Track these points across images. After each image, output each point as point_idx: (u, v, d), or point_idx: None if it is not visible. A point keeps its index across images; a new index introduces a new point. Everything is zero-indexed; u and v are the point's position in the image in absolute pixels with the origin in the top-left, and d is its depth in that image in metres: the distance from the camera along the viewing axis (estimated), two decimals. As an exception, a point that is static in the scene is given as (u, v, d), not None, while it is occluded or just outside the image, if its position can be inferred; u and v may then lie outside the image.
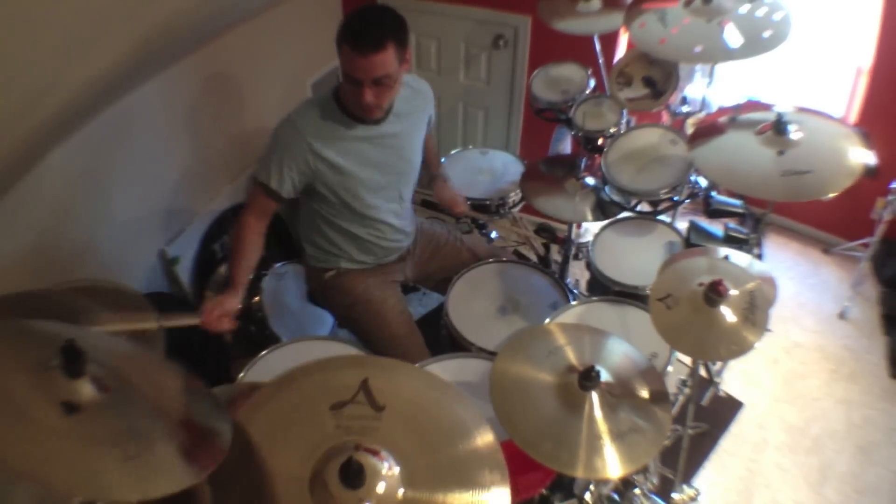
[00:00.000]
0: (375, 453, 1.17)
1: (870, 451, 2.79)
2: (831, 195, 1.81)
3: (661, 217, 2.56)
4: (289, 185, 2.11)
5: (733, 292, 1.67)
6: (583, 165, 2.62)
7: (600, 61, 2.86)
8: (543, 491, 1.94)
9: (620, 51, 3.33)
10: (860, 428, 2.89)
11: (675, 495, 2.25)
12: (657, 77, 2.42)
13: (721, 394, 2.97)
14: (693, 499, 2.26)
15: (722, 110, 2.22)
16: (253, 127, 3.34)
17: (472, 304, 2.34)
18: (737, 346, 1.63)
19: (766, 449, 2.83)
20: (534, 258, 3.11)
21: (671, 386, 2.44)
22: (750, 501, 2.64)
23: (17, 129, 1.88)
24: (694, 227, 2.61)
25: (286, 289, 2.88)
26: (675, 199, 2.36)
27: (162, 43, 2.28)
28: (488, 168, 2.97)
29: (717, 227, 2.60)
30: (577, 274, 3.08)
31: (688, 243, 2.50)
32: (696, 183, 2.42)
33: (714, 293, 1.63)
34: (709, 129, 2.09)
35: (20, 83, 1.67)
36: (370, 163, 2.17)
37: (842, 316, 3.41)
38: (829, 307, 3.47)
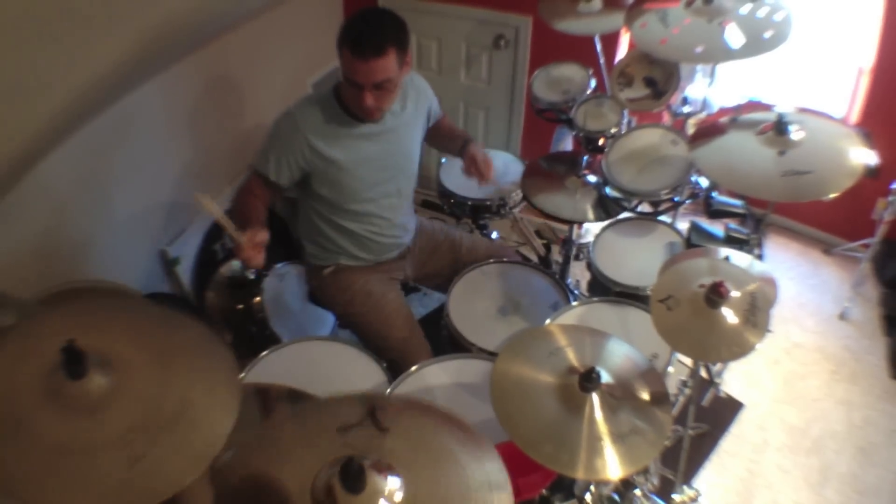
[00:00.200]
0: (382, 469, 1.16)
1: (870, 452, 2.79)
2: (832, 196, 1.81)
3: (662, 217, 2.56)
4: (286, 177, 2.16)
5: (734, 293, 1.66)
6: (584, 163, 2.62)
7: (601, 61, 2.86)
8: (544, 492, 1.94)
9: (621, 51, 3.33)
10: (861, 429, 2.89)
11: (675, 496, 2.25)
12: (658, 77, 2.42)
13: (721, 394, 2.97)
14: (693, 499, 2.26)
15: (723, 111, 2.23)
16: (253, 127, 3.34)
17: (472, 304, 2.34)
18: (738, 348, 1.62)
19: (767, 450, 2.82)
20: (535, 259, 3.11)
21: (672, 387, 2.44)
22: (750, 502, 2.64)
23: (17, 130, 1.88)
24: (695, 227, 2.60)
25: (287, 289, 2.88)
26: (676, 199, 2.36)
27: (162, 43, 2.28)
28: (489, 168, 2.96)
29: (717, 228, 2.60)
30: (578, 274, 3.07)
31: (689, 244, 2.50)
32: (697, 183, 2.42)
33: (715, 294, 1.63)
34: (710, 130, 2.09)
35: (21, 83, 1.67)
36: (368, 159, 2.18)
37: (842, 317, 3.40)
38: (829, 308, 3.46)
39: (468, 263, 2.49)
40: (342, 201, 2.25)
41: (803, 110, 2.03)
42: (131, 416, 1.09)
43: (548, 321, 2.15)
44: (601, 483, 2.05)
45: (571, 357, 1.60)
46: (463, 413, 1.83)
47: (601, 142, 2.64)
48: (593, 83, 2.83)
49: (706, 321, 1.65)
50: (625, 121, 2.66)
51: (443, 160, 3.00)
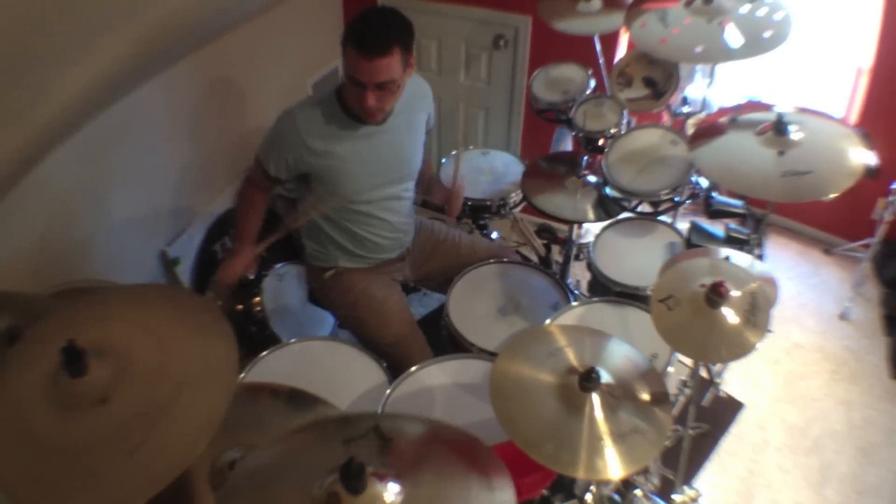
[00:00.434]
0: (382, 477, 1.16)
1: (870, 452, 2.79)
2: (832, 196, 1.81)
3: (662, 218, 2.55)
4: (284, 173, 2.19)
5: (734, 293, 1.66)
6: (584, 163, 2.62)
7: (601, 61, 2.86)
8: (544, 492, 1.94)
9: (621, 51, 3.33)
10: (861, 429, 2.89)
11: (675, 496, 2.25)
12: (658, 77, 2.42)
13: (721, 394, 2.97)
14: (694, 500, 2.26)
15: (722, 111, 2.22)
16: (254, 127, 3.34)
17: (472, 304, 2.34)
18: (738, 348, 1.62)
19: (767, 450, 2.82)
20: (535, 259, 3.11)
21: (672, 387, 2.44)
22: (751, 502, 2.64)
23: (17, 131, 1.88)
24: (695, 227, 2.60)
25: (287, 289, 2.88)
26: (676, 199, 2.36)
27: (163, 44, 2.29)
28: (489, 168, 2.97)
29: (718, 228, 2.60)
30: (578, 274, 3.07)
31: (689, 244, 2.50)
32: (697, 183, 2.42)
33: (716, 294, 1.63)
34: (709, 130, 2.09)
35: (21, 84, 1.67)
36: (368, 161, 2.18)
37: (843, 317, 3.40)
38: (829, 308, 3.46)
39: (468, 264, 2.49)
40: (342, 202, 2.25)
41: (803, 110, 2.02)
42: (131, 403, 1.09)
43: (548, 321, 2.15)
44: (602, 483, 2.05)
45: (571, 357, 1.60)
46: (463, 413, 1.84)
47: (601, 142, 2.64)
48: (593, 83, 2.83)
49: (706, 321, 1.64)
50: (624, 121, 2.66)
51: (443, 160, 3.00)
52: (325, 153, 2.11)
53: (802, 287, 3.59)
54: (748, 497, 2.66)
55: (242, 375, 2.03)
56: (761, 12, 2.10)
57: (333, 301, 2.49)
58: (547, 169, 2.71)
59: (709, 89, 2.50)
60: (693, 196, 2.45)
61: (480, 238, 2.85)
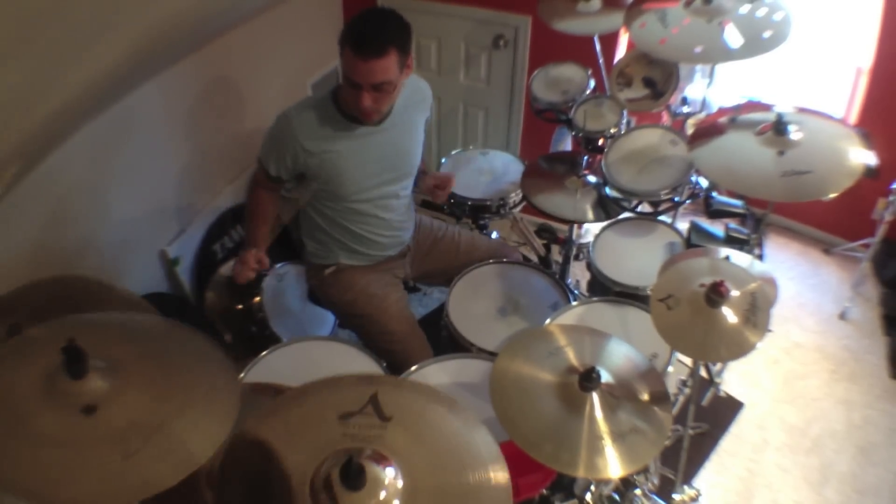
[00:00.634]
0: (381, 460, 1.16)
1: (870, 452, 2.79)
2: (832, 195, 1.81)
3: (662, 217, 2.56)
4: (284, 173, 2.20)
5: (734, 293, 1.67)
6: (584, 163, 2.62)
7: (600, 62, 2.86)
8: (544, 491, 1.94)
9: (620, 51, 3.33)
10: (860, 428, 2.89)
11: (675, 496, 2.25)
12: (657, 77, 2.42)
13: (721, 394, 2.97)
14: (693, 499, 2.26)
15: (722, 111, 2.22)
16: (253, 127, 3.34)
17: (472, 304, 2.34)
18: (738, 347, 1.63)
19: (767, 449, 2.83)
20: (535, 259, 3.12)
21: (671, 386, 2.44)
22: (750, 502, 2.64)
23: (17, 130, 1.88)
24: (695, 227, 2.60)
25: (287, 289, 2.88)
26: (676, 199, 2.36)
27: (162, 44, 2.29)
28: (489, 168, 2.97)
29: (717, 228, 2.60)
30: (578, 274, 3.08)
31: (688, 244, 2.50)
32: (697, 183, 2.42)
33: (716, 294, 1.63)
34: (709, 130, 2.09)
35: (20, 85, 1.67)
36: (365, 161, 2.18)
37: (842, 316, 3.41)
38: (829, 308, 3.46)
39: (467, 261, 2.50)
40: (338, 199, 2.26)
41: (802, 110, 2.03)
42: (127, 417, 1.10)
43: (548, 321, 2.16)
44: (601, 482, 2.06)
45: (571, 357, 1.60)
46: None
47: (601, 142, 2.64)
48: (592, 83, 2.83)
49: (706, 321, 1.65)
50: (624, 121, 2.66)
51: (443, 160, 3.00)
52: (321, 154, 2.11)
53: (802, 287, 3.59)
54: (748, 497, 2.66)
55: (243, 375, 2.03)
56: (761, 12, 2.11)
57: (333, 298, 2.49)
58: (547, 169, 2.71)
59: (708, 89, 2.50)
60: (693, 196, 2.45)
61: (480, 235, 2.85)
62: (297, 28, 3.45)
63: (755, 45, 2.05)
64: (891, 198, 3.16)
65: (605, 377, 1.52)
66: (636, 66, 2.46)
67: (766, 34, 2.05)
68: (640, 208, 2.43)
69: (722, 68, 2.46)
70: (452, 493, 1.19)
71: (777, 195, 1.88)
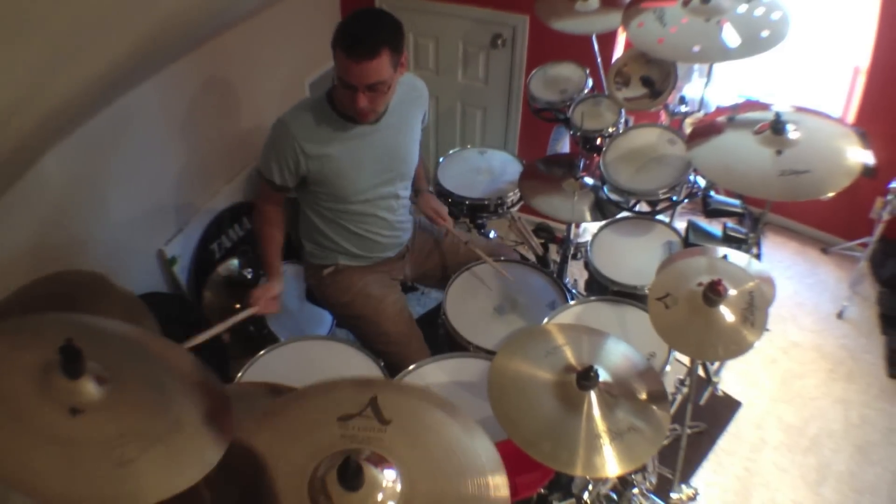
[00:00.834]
0: (379, 462, 1.16)
1: (867, 451, 2.79)
2: (830, 195, 1.81)
3: (660, 217, 2.56)
4: (290, 180, 2.18)
5: (732, 292, 1.67)
6: (581, 165, 2.62)
7: (598, 61, 2.86)
8: (542, 490, 1.95)
9: (618, 50, 3.33)
10: (858, 427, 2.89)
11: (673, 495, 2.26)
12: (655, 77, 2.42)
13: (719, 393, 2.97)
14: (691, 498, 2.27)
15: (720, 110, 2.22)
16: (251, 126, 3.34)
17: (470, 303, 2.34)
18: (735, 346, 1.63)
19: (764, 448, 2.83)
20: (532, 258, 3.11)
21: (669, 385, 2.44)
22: (748, 501, 2.64)
23: (15, 129, 1.88)
24: (692, 226, 2.61)
25: (285, 289, 2.88)
26: (674, 198, 2.36)
27: (159, 43, 2.28)
28: (486, 168, 2.97)
29: (715, 227, 2.61)
30: (576, 273, 3.08)
31: (686, 243, 2.51)
32: (695, 183, 2.42)
33: (713, 293, 1.64)
34: (707, 129, 2.09)
35: (18, 84, 1.67)
36: (364, 161, 2.18)
37: (840, 316, 3.41)
38: (827, 307, 3.47)
39: (465, 261, 2.50)
40: (338, 201, 2.25)
41: (800, 109, 2.03)
42: (121, 425, 1.09)
43: (545, 320, 2.16)
44: (599, 481, 2.06)
45: (569, 356, 1.60)
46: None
47: (598, 141, 2.64)
48: (590, 83, 2.83)
49: (704, 319, 1.65)
50: (622, 120, 2.66)
51: (440, 159, 3.00)
52: (321, 155, 2.11)
53: (800, 286, 3.60)
54: (745, 496, 2.66)
55: (240, 374, 2.03)
56: (759, 12, 2.10)
57: (330, 298, 2.48)
58: (544, 171, 2.72)
59: (706, 88, 2.50)
60: (691, 195, 2.45)
61: (479, 237, 2.85)
62: (295, 27, 3.44)
63: (753, 44, 2.05)
64: (888, 197, 3.17)
65: (603, 376, 1.52)
66: (634, 66, 2.46)
67: (764, 33, 2.05)
68: (637, 207, 2.43)
69: (720, 67, 2.46)
70: (450, 499, 1.18)
71: (775, 194, 1.88)
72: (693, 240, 2.53)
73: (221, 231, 3.27)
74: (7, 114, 1.77)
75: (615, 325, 2.15)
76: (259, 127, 3.31)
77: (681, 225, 2.65)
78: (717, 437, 2.86)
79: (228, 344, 2.92)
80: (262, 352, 2.11)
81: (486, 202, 2.80)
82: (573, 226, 2.83)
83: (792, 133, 1.92)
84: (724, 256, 1.93)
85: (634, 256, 2.47)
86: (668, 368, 2.01)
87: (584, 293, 2.66)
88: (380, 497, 1.12)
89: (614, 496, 2.22)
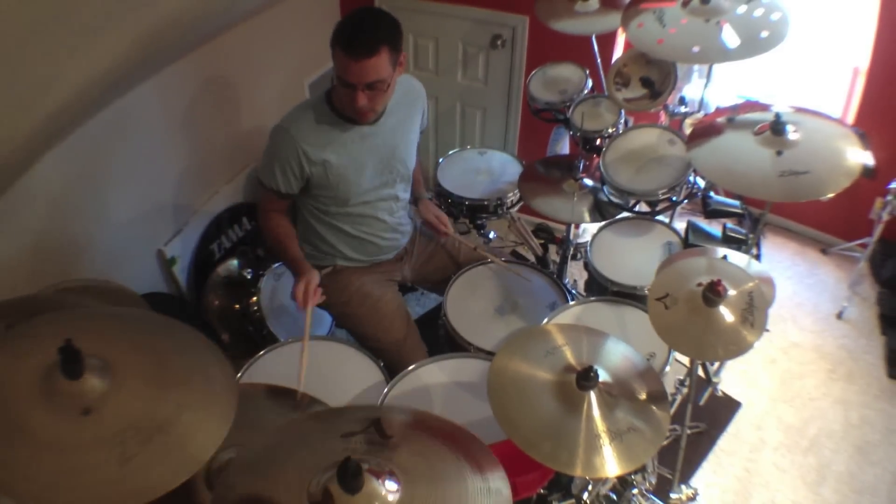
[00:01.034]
0: (379, 474, 1.16)
1: (867, 451, 2.79)
2: (829, 195, 1.81)
3: (660, 217, 2.56)
4: (295, 185, 2.17)
5: (732, 292, 1.67)
6: (581, 166, 2.62)
7: (598, 61, 2.86)
8: (542, 490, 1.94)
9: (618, 51, 3.33)
10: (858, 428, 2.89)
11: (673, 495, 2.25)
12: (655, 77, 2.42)
13: (719, 393, 2.97)
14: (691, 498, 2.26)
15: (720, 110, 2.22)
16: (250, 127, 3.34)
17: (470, 304, 2.34)
18: (735, 346, 1.63)
19: (764, 449, 2.83)
20: (532, 258, 3.11)
21: (669, 386, 2.44)
22: (748, 501, 2.64)
23: (16, 129, 1.88)
24: (692, 227, 2.60)
25: (283, 289, 2.88)
26: (674, 199, 2.36)
27: (159, 43, 2.28)
28: (486, 168, 2.97)
29: (715, 228, 2.60)
30: (576, 274, 3.08)
31: (686, 243, 2.51)
32: (695, 183, 2.42)
33: (713, 293, 1.63)
34: (707, 130, 2.09)
35: (18, 84, 1.67)
36: (364, 163, 2.18)
37: (839, 316, 3.41)
38: (826, 307, 3.47)
39: (465, 264, 2.50)
40: (339, 203, 2.25)
41: (800, 110, 2.03)
42: (125, 417, 1.09)
43: (545, 320, 2.16)
44: (599, 481, 2.06)
45: (569, 356, 1.60)
46: (461, 412, 1.84)
47: (598, 142, 2.64)
48: (590, 83, 2.83)
49: (703, 320, 1.65)
50: (622, 121, 2.66)
51: (440, 160, 3.00)
52: (321, 155, 2.10)
53: (799, 286, 3.60)
54: (745, 496, 2.66)
55: (240, 375, 2.03)
56: (758, 12, 2.11)
57: (328, 298, 2.47)
58: (544, 173, 2.72)
59: (706, 89, 2.51)
60: (690, 196, 2.45)
61: (478, 238, 2.85)
62: (294, 28, 3.44)
63: (752, 45, 2.05)
64: (888, 198, 3.17)
65: (603, 376, 1.52)
66: (634, 66, 2.46)
67: (764, 34, 2.05)
68: (637, 208, 2.43)
69: (719, 68, 2.46)
70: None
71: (775, 195, 1.88)
72: (693, 240, 2.53)
73: (221, 231, 3.27)
74: (8, 114, 1.77)
75: (615, 326, 2.15)
76: (259, 127, 3.31)
77: (680, 225, 2.64)
78: (716, 438, 2.86)
79: (228, 344, 2.93)
80: (261, 352, 2.11)
81: (485, 203, 2.80)
82: (573, 226, 2.83)
83: (791, 134, 1.92)
84: (724, 257, 1.93)
85: (634, 257, 2.47)
86: (667, 369, 2.01)
87: (584, 293, 2.66)
88: None
89: (614, 496, 2.21)
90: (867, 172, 3.02)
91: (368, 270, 2.44)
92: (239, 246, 3.35)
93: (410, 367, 2.01)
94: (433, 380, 2.00)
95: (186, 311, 3.04)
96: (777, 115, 1.93)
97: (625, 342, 1.71)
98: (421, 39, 3.73)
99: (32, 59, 1.64)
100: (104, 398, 1.10)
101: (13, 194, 2.26)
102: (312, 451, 1.24)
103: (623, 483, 2.22)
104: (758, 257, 2.43)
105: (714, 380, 2.85)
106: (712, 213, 2.61)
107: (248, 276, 3.10)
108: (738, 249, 2.28)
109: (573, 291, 2.69)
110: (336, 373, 2.06)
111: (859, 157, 1.85)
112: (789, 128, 1.92)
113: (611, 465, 1.40)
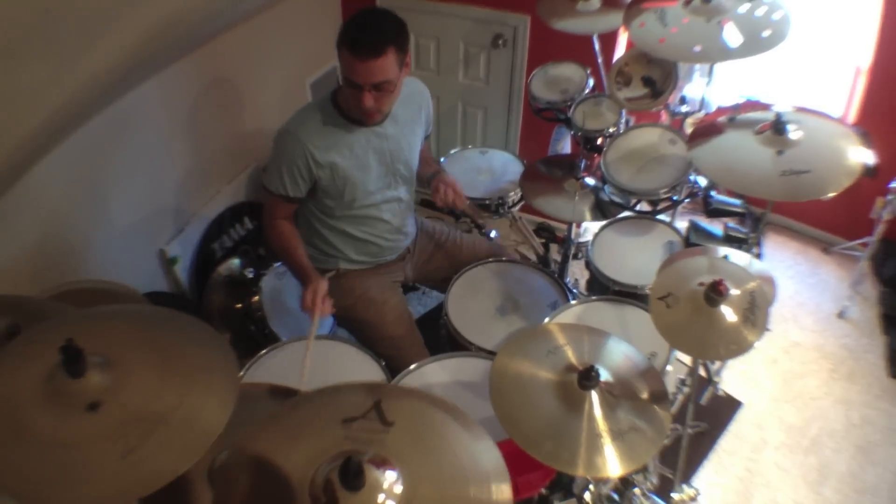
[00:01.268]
0: (381, 464, 1.16)
1: (869, 451, 2.79)
2: (831, 195, 1.81)
3: (661, 216, 2.56)
4: (303, 188, 2.16)
5: (733, 292, 1.67)
6: (582, 166, 2.62)
7: (599, 61, 2.86)
8: (543, 490, 1.94)
9: (619, 50, 3.33)
10: (859, 428, 2.89)
11: (674, 495, 2.25)
12: (656, 76, 2.42)
13: (720, 393, 2.97)
14: (692, 498, 2.26)
15: (721, 110, 2.22)
16: (252, 127, 3.34)
17: (471, 303, 2.34)
18: (736, 346, 1.63)
19: (766, 448, 2.83)
20: (533, 257, 3.11)
21: (670, 385, 2.44)
22: (749, 501, 2.64)
23: (14, 131, 1.88)
24: (693, 226, 2.61)
25: (285, 288, 2.88)
26: (675, 198, 2.36)
27: (160, 43, 2.28)
28: (487, 167, 2.97)
29: (716, 227, 2.60)
30: (577, 273, 3.08)
31: (687, 243, 2.50)
32: (696, 182, 2.42)
33: (715, 293, 1.63)
34: (708, 129, 2.09)
35: (18, 84, 1.67)
36: (368, 164, 2.18)
37: (841, 315, 3.41)
38: (828, 307, 3.47)
39: (467, 263, 2.50)
40: (344, 205, 2.24)
41: (801, 109, 2.03)
42: (127, 409, 1.10)
43: (546, 320, 2.16)
44: (600, 481, 2.06)
45: (570, 355, 1.60)
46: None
47: (599, 141, 2.64)
48: (591, 82, 2.83)
49: (705, 319, 1.65)
50: (623, 120, 2.66)
51: (442, 159, 3.00)
52: (327, 157, 2.10)
53: (801, 286, 3.60)
54: (747, 496, 2.66)
55: (241, 374, 2.03)
56: (760, 11, 2.10)
57: (333, 303, 2.48)
58: (545, 172, 2.72)
59: (707, 88, 2.50)
60: (692, 195, 2.45)
61: (480, 238, 2.85)
62: (296, 27, 3.44)
63: (754, 44, 2.05)
64: (889, 197, 3.16)
65: (605, 376, 1.52)
66: (635, 66, 2.46)
67: (765, 33, 2.05)
68: (638, 207, 2.43)
69: (721, 67, 2.46)
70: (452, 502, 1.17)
71: (776, 194, 1.88)
72: (694, 239, 2.53)
73: (222, 231, 3.27)
74: (8, 115, 1.77)
75: (616, 325, 2.15)
76: (260, 127, 3.32)
77: (682, 225, 2.65)
78: (718, 437, 2.85)
79: (230, 344, 2.92)
80: (263, 352, 2.11)
81: (487, 202, 2.80)
82: (574, 225, 2.83)
83: (793, 133, 1.92)
84: (726, 256, 1.93)
85: (635, 256, 2.47)
86: (669, 368, 2.01)
87: (586, 293, 2.66)
88: (381, 498, 1.12)
89: (615, 496, 2.21)
90: (868, 171, 3.01)
91: (372, 273, 2.44)
92: (240, 245, 3.35)
93: (412, 367, 2.02)
94: (435, 379, 2.01)
95: (188, 311, 3.04)
96: (778, 115, 1.93)
97: (626, 341, 1.70)
98: (422, 39, 3.73)
99: (33, 58, 1.64)
100: (108, 393, 1.10)
101: (15, 195, 2.26)
102: (313, 437, 1.24)
103: (624, 483, 2.22)
104: (759, 256, 2.43)
105: (715, 379, 2.85)
106: (714, 212, 2.61)
107: (250, 276, 3.10)
108: (740, 248, 2.28)
109: (574, 291, 2.69)
110: (338, 373, 2.06)
111: (860, 156, 1.85)
112: (790, 127, 1.92)
113: (612, 464, 1.40)
